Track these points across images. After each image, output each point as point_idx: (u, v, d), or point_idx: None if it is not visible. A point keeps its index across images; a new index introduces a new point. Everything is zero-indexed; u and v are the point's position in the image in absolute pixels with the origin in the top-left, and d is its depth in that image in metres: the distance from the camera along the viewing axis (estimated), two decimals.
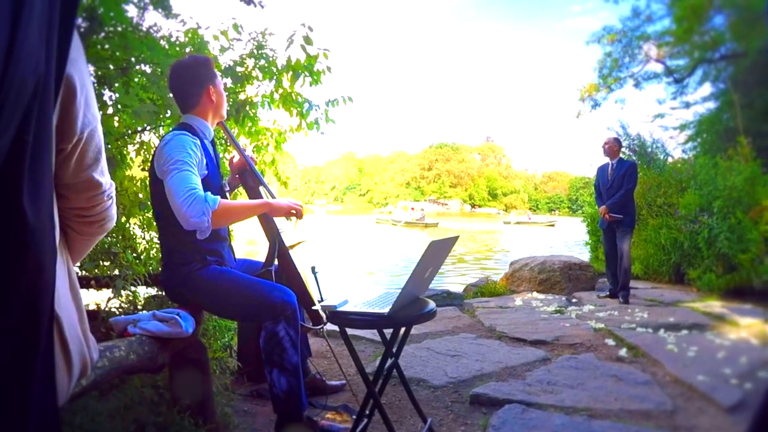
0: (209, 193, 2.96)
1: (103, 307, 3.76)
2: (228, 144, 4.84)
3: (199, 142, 3.14)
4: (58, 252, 1.32)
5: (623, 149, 9.32)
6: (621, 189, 7.99)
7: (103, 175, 1.45)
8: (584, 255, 12.99)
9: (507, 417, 3.54)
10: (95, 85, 3.85)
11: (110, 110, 4.09)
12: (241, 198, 4.05)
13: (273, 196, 3.63)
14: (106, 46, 3.81)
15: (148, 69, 3.99)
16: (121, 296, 3.85)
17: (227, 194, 3.63)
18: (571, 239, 38.33)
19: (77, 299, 1.47)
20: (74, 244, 1.57)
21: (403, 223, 59.89)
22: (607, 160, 8.36)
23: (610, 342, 5.47)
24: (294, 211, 3.31)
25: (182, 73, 3.34)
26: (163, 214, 3.20)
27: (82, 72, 1.25)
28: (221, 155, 4.40)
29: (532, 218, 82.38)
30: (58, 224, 1.34)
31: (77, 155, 1.31)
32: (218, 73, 3.43)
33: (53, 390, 1.18)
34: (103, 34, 3.83)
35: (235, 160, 3.76)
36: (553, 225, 73.95)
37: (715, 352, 4.88)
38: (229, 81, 4.80)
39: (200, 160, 3.08)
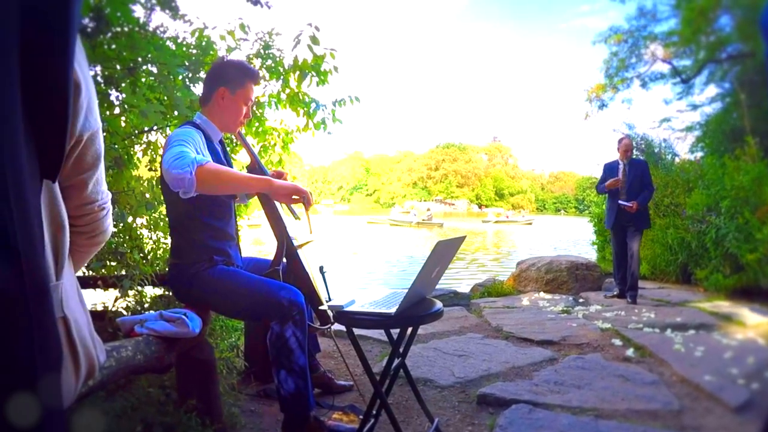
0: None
1: (110, 307, 3.77)
2: (236, 143, 4.84)
3: (201, 134, 3.14)
4: (67, 255, 1.32)
5: None
6: (644, 189, 7.98)
7: (99, 184, 1.43)
8: (591, 254, 12.98)
9: (514, 417, 3.53)
10: (102, 85, 3.86)
11: (117, 110, 4.10)
12: (256, 208, 3.99)
13: None
14: (113, 46, 3.82)
15: (155, 69, 3.99)
16: (128, 296, 3.86)
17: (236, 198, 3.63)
18: (555, 238, 38.65)
19: (82, 301, 1.47)
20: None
21: (415, 224, 60.57)
22: (616, 157, 8.31)
23: (617, 342, 5.45)
24: (297, 197, 3.05)
25: (210, 68, 3.41)
26: (172, 212, 3.22)
27: (86, 74, 1.25)
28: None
29: (510, 217, 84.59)
30: (66, 223, 1.33)
31: (75, 157, 1.29)
32: (251, 89, 3.38)
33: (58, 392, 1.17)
34: (110, 34, 3.83)
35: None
36: (530, 224, 76.62)
37: (722, 352, 4.88)
38: None
39: (200, 146, 3.06)
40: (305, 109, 5.18)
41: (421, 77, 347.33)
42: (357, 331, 2.84)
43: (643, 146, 13.57)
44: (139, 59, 3.86)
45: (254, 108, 4.92)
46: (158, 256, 4.30)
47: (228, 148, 3.75)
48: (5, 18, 0.93)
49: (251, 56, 5.02)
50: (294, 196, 3.04)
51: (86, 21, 3.65)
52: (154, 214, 4.33)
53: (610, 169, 8.33)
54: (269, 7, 4.90)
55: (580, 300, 8.44)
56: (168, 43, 4.37)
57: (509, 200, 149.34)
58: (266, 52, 5.03)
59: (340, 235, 41.48)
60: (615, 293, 8.31)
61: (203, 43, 4.67)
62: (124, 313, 3.73)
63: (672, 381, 4.32)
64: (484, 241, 39.43)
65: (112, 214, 1.58)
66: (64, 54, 1.05)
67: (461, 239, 3.03)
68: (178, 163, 2.73)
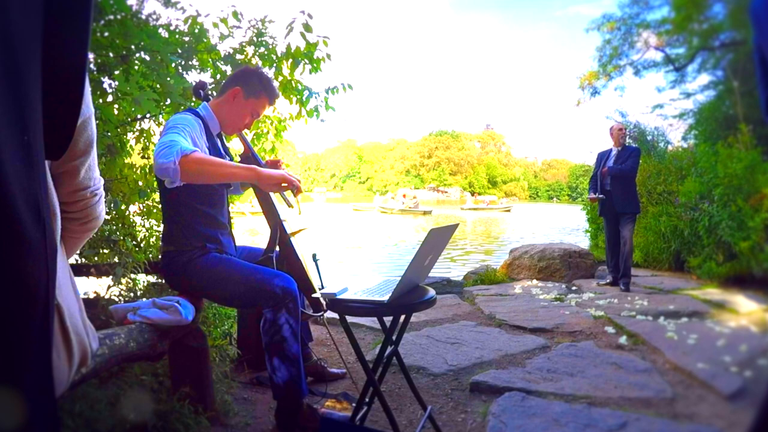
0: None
1: (103, 295, 3.76)
2: None
3: (201, 124, 3.14)
4: (58, 242, 1.32)
5: None
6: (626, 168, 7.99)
7: (91, 170, 1.43)
8: (584, 242, 12.98)
9: (507, 405, 3.54)
10: (95, 72, 3.85)
11: (110, 98, 4.08)
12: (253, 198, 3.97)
13: None
14: (106, 34, 3.80)
15: (147, 57, 3.97)
16: (121, 284, 3.85)
17: (229, 188, 3.63)
18: (532, 226, 38.86)
19: (75, 288, 1.46)
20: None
21: (398, 210, 60.81)
22: (610, 146, 8.32)
23: (610, 330, 5.47)
24: (285, 184, 3.04)
25: (241, 69, 3.50)
26: (165, 199, 3.21)
27: None
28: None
29: (488, 204, 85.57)
30: (58, 209, 1.32)
31: None
32: (264, 105, 3.44)
33: (50, 378, 1.17)
34: (102, 22, 3.82)
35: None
36: (509, 210, 77.20)
37: (714, 340, 4.88)
38: (228, 69, 4.79)
39: (197, 135, 3.06)
40: (298, 96, 5.16)
41: (414, 65, 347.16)
42: (350, 319, 2.84)
43: (635, 134, 13.57)
44: (132, 47, 3.85)
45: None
46: (151, 243, 4.30)
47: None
48: (33, 4, 0.94)
49: (244, 44, 4.99)
50: (283, 184, 3.05)
51: None
52: (147, 202, 4.32)
53: (601, 158, 8.35)
54: None
55: (573, 288, 8.45)
56: (161, 30, 4.34)
57: (502, 188, 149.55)
58: (259, 39, 5.01)
59: (330, 222, 41.51)
60: (608, 281, 8.32)
61: (196, 31, 4.65)
62: (117, 300, 3.72)
63: (665, 369, 4.33)
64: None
65: (105, 201, 1.58)
66: (82, 40, 1.06)
67: (454, 227, 3.03)
68: (164, 152, 2.73)
